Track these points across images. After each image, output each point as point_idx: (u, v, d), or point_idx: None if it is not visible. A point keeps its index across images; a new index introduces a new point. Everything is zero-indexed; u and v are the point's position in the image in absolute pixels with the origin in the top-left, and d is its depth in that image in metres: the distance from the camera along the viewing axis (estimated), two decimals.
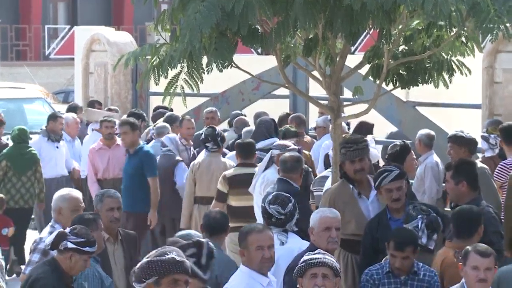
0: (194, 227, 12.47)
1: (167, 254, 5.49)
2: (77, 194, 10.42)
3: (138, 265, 5.65)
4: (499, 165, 12.70)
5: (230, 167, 13.62)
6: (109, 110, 19.00)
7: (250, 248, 8.38)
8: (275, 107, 17.17)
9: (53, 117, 18.68)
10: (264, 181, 12.36)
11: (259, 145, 14.74)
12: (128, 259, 10.53)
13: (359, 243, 10.17)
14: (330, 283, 7.21)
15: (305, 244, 9.08)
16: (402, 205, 10.01)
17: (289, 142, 13.44)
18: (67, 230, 8.50)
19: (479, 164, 11.87)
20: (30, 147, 17.27)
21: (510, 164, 12.62)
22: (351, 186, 10.42)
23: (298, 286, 7.49)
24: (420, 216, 9.43)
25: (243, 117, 16.49)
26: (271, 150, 12.74)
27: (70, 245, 8.22)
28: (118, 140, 16.21)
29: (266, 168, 12.70)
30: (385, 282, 8.69)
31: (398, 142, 13.37)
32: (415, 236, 8.95)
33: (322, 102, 11.56)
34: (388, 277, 8.69)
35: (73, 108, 19.60)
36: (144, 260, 5.58)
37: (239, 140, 14.59)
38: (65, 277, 8.33)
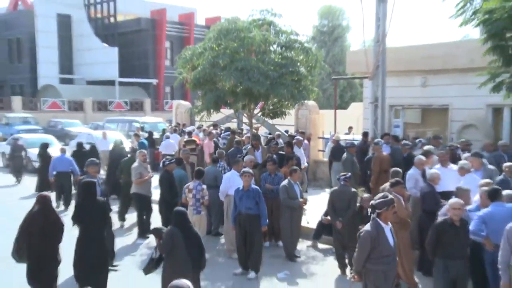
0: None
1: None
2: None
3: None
4: (304, 142, 12.16)
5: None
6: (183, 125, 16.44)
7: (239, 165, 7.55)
8: (232, 125, 16.18)
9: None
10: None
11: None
12: (190, 173, 8.90)
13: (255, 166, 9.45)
14: (250, 177, 6.59)
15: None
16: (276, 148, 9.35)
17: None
18: (164, 159, 7.95)
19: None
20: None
21: (305, 143, 12.23)
22: (253, 148, 9.92)
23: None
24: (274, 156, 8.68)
25: (222, 127, 14.65)
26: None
27: (166, 162, 7.86)
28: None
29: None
30: (267, 177, 7.94)
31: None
32: (275, 159, 8.24)
33: (247, 123, 11.56)
34: (268, 176, 7.94)
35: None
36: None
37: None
38: (170, 173, 7.89)
